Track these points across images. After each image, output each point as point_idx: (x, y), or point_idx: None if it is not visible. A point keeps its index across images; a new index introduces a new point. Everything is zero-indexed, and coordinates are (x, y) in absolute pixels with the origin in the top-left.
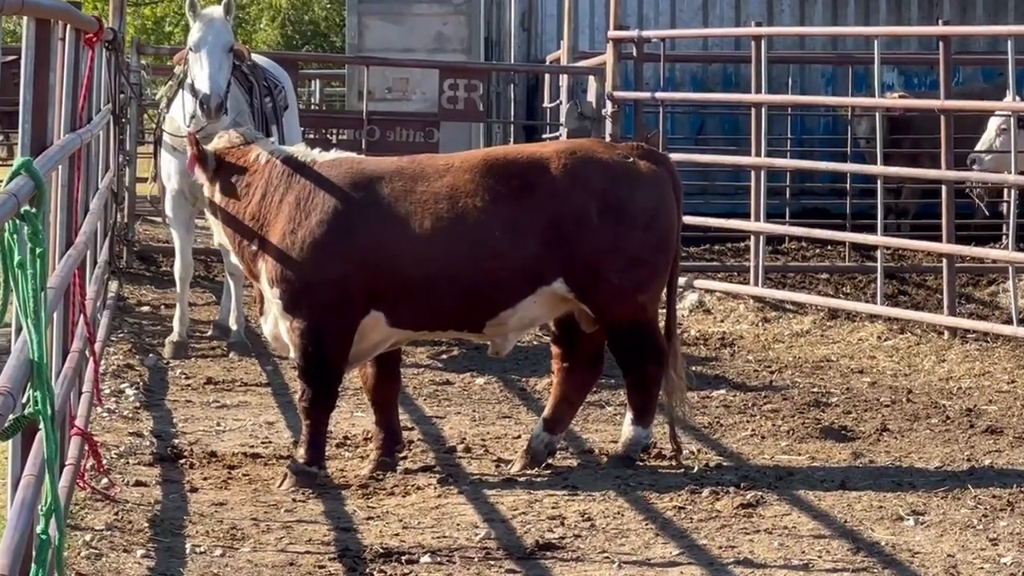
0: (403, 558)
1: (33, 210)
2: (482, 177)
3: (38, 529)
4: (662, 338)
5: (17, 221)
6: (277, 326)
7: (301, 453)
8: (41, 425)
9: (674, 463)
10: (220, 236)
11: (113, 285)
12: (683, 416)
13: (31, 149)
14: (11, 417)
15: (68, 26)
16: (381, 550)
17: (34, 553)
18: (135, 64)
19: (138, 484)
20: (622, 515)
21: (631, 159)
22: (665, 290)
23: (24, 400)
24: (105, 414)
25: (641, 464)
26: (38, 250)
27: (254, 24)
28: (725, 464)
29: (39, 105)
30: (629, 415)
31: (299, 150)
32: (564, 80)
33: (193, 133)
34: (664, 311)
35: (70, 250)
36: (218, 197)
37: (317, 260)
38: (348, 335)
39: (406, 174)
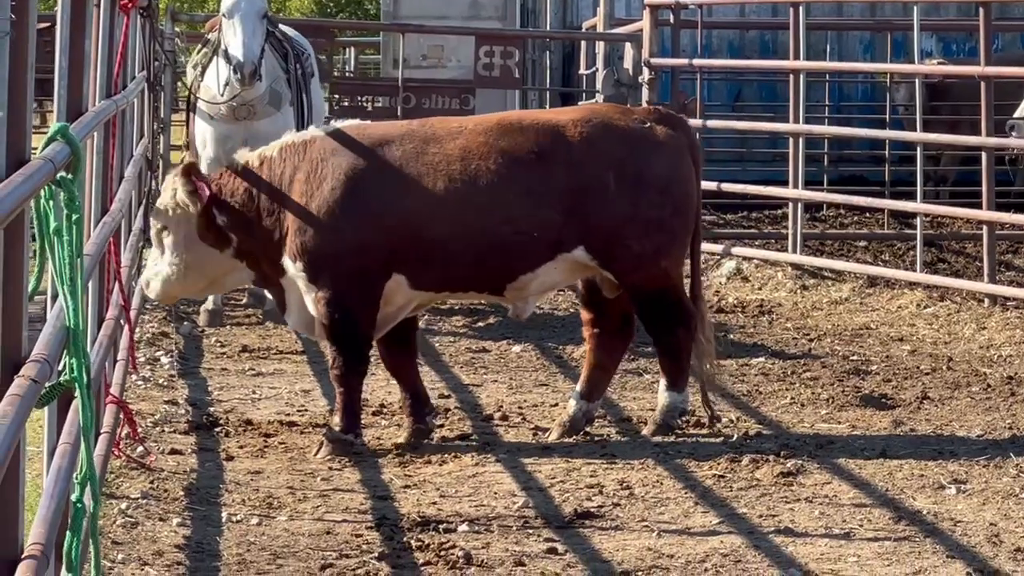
0: (441, 527)
1: (69, 176)
2: (496, 140)
3: (73, 498)
4: (688, 302)
5: (53, 187)
6: (302, 314)
7: (336, 421)
8: (77, 393)
9: (713, 431)
10: (180, 277)
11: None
12: (714, 380)
13: (67, 115)
14: (47, 384)
15: None
16: (418, 519)
17: (69, 522)
18: (170, 31)
19: (173, 452)
20: (661, 483)
21: (648, 124)
22: (689, 255)
23: (60, 367)
24: (140, 382)
25: (680, 432)
26: (74, 216)
27: None
28: (765, 432)
29: (75, 71)
30: (663, 381)
31: (293, 135)
32: (600, 47)
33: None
34: (689, 276)
35: (105, 217)
36: (218, 225)
37: (333, 227)
38: (373, 300)
39: (417, 136)
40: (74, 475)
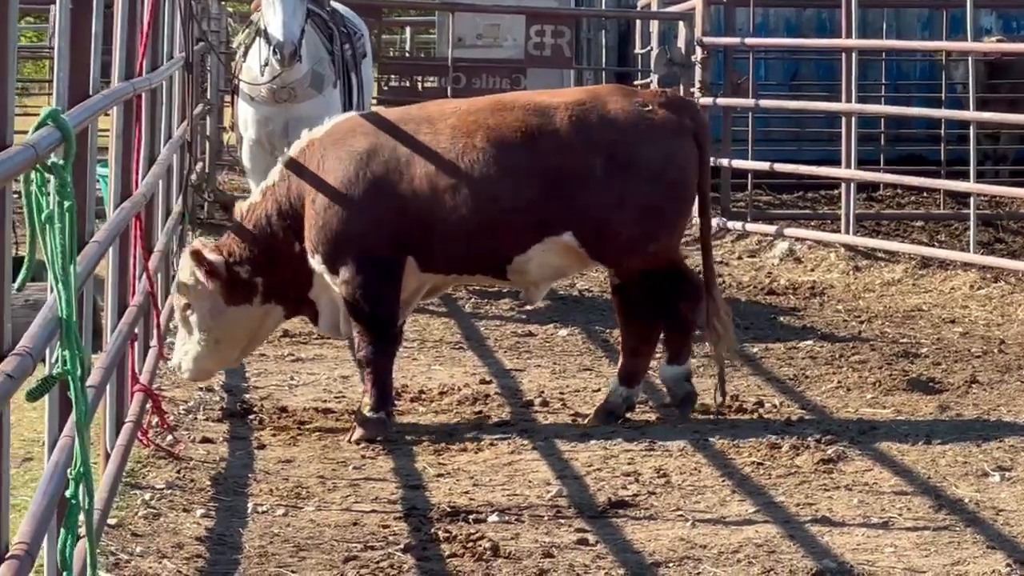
0: (470, 517)
1: (61, 162)
2: (485, 120)
3: (68, 493)
4: (694, 276)
5: (44, 173)
6: (330, 317)
7: (367, 401)
8: (71, 386)
9: (753, 415)
10: (212, 349)
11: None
12: (730, 364)
13: (67, 99)
14: (38, 378)
15: None
16: (448, 509)
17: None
18: (216, 11)
19: (204, 441)
20: (699, 471)
21: (649, 107)
22: (701, 243)
23: (54, 359)
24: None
25: (722, 418)
26: (66, 203)
27: None
28: (807, 417)
29: (78, 53)
30: (665, 356)
31: (293, 145)
32: (654, 26)
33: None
34: (702, 264)
35: (125, 203)
36: (242, 279)
37: (342, 213)
38: (393, 279)
39: (411, 119)
40: (68, 471)
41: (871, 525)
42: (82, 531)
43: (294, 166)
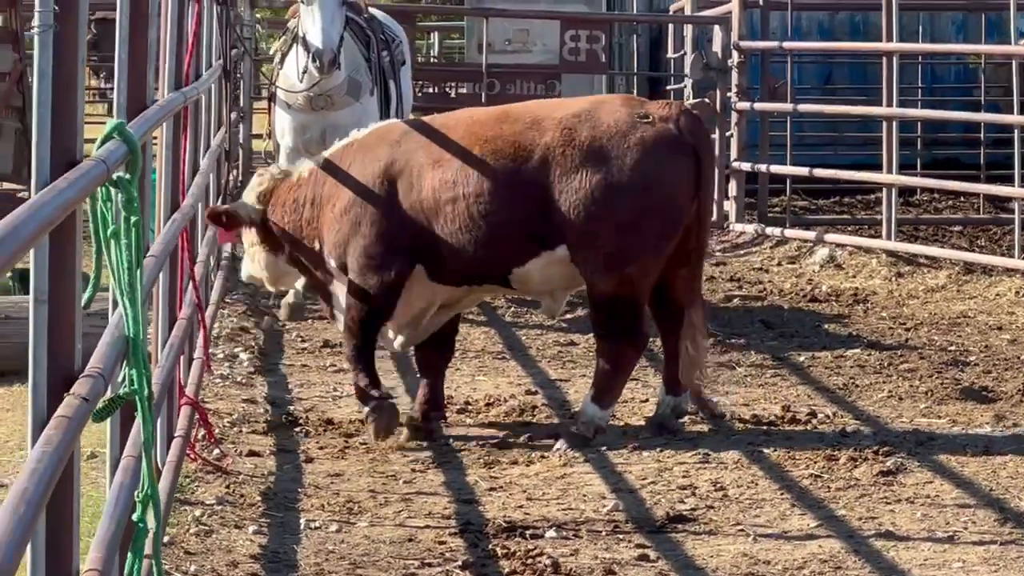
0: (527, 533)
1: (127, 176)
2: (488, 132)
3: (134, 517)
4: (644, 324)
5: (110, 188)
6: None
7: (360, 399)
8: (138, 406)
9: (808, 427)
10: (257, 270)
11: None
12: (700, 390)
13: (128, 110)
14: (104, 398)
15: None
16: (504, 524)
17: (131, 543)
18: (248, 19)
19: (251, 454)
20: (756, 484)
21: (648, 118)
22: (692, 260)
23: (120, 379)
24: (218, 380)
25: (775, 429)
26: (133, 219)
27: None
28: (862, 428)
29: (137, 64)
30: (590, 391)
31: (336, 144)
32: (688, 30)
33: (214, 209)
34: (692, 279)
35: (175, 214)
36: (274, 233)
37: (358, 220)
38: (395, 287)
39: (426, 130)
40: (135, 493)
41: (936, 539)
42: (149, 552)
43: (328, 166)
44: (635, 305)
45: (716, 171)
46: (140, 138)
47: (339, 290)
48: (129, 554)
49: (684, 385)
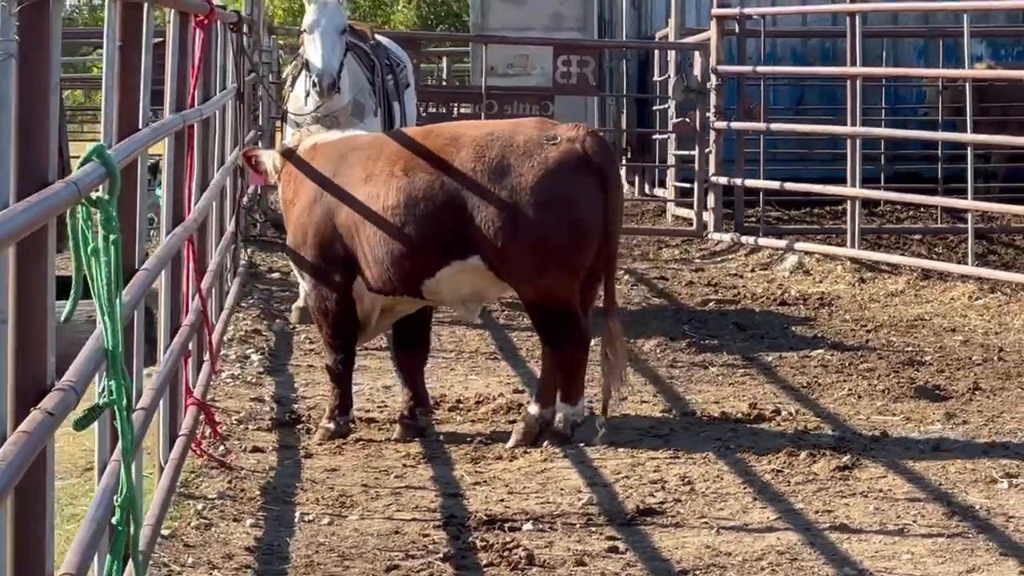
0: (506, 525)
1: (106, 196)
2: (409, 150)
3: (114, 520)
4: (582, 321)
5: (88, 207)
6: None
7: (326, 409)
8: (116, 416)
9: (772, 424)
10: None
11: (247, 252)
12: (618, 394)
13: (117, 133)
14: (84, 408)
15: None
16: (485, 517)
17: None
18: (267, 44)
19: (255, 450)
20: (721, 478)
21: (556, 140)
22: (604, 273)
23: (101, 389)
24: (229, 380)
25: (743, 426)
26: (112, 237)
27: (392, 6)
28: (823, 425)
29: (127, 87)
30: (559, 393)
31: (305, 140)
32: (672, 55)
33: (249, 151)
34: (603, 291)
35: (177, 228)
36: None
37: (303, 228)
38: (343, 298)
39: (363, 146)
40: (115, 497)
41: (887, 532)
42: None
43: (296, 160)
44: (563, 311)
45: (623, 190)
46: (124, 160)
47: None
48: (108, 555)
49: (550, 398)
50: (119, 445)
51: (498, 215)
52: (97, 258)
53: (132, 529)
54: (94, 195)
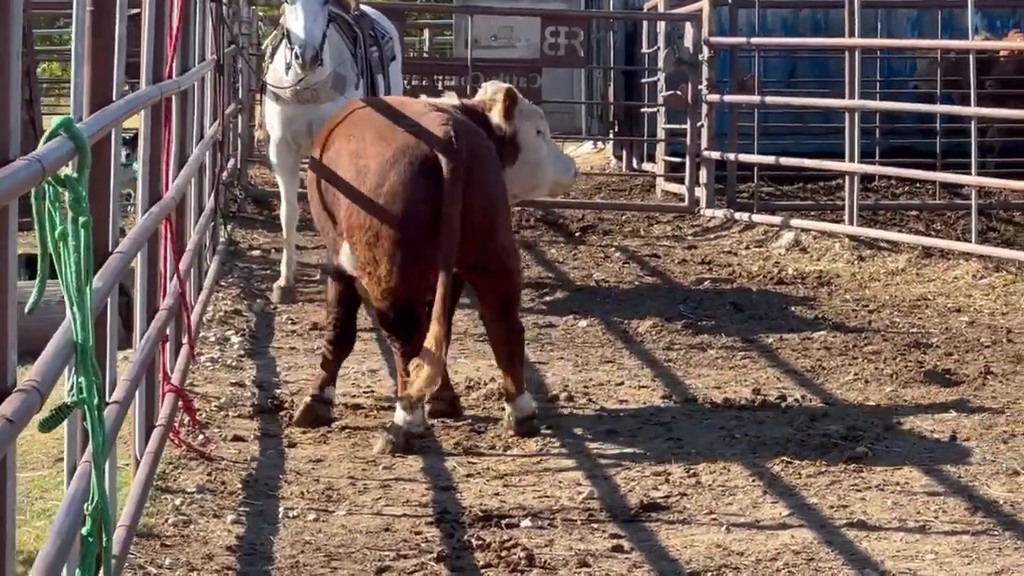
0: (503, 522)
1: (76, 174)
2: (335, 126)
3: (84, 531)
4: (411, 316)
5: (56, 187)
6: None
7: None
8: (87, 415)
9: (778, 411)
10: None
11: (226, 229)
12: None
13: (89, 105)
14: (51, 410)
15: None
16: (480, 513)
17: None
18: (247, 15)
19: (236, 439)
20: (728, 470)
21: (410, 130)
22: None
23: (70, 387)
24: (208, 364)
25: (747, 413)
26: (81, 219)
27: None
28: (831, 412)
29: (99, 59)
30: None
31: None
32: (661, 27)
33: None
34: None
35: (153, 207)
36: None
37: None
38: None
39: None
40: (85, 505)
41: (908, 529)
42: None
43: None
44: (392, 303)
45: (483, 187)
46: (95, 134)
47: None
48: (78, 570)
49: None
50: (90, 446)
51: (351, 202)
52: (65, 242)
53: (104, 540)
54: (62, 173)
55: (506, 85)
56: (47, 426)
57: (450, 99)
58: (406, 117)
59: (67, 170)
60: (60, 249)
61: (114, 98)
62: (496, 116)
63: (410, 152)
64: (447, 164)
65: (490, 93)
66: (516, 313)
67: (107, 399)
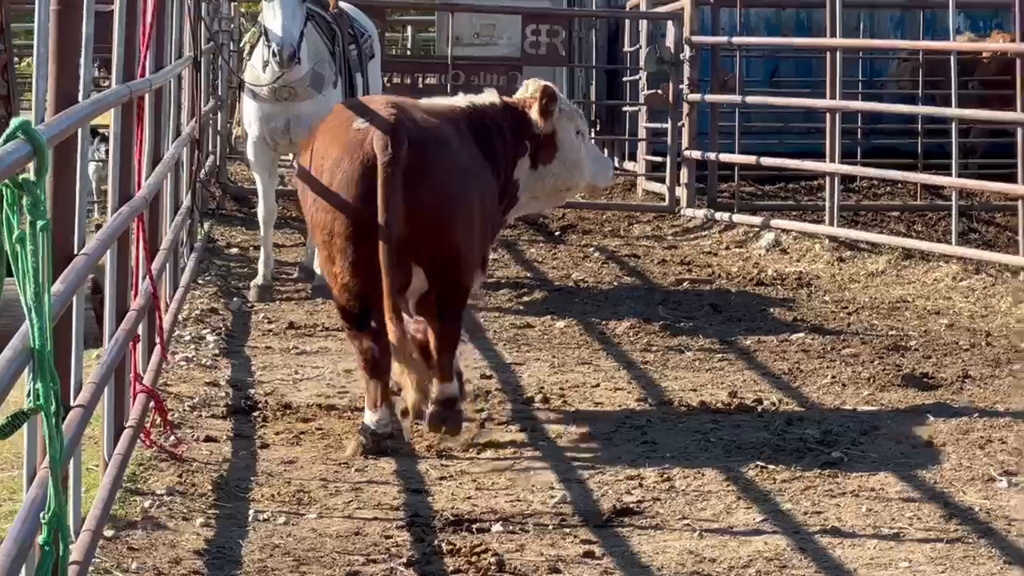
0: (474, 527)
1: (34, 178)
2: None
3: (40, 540)
4: (356, 318)
5: (14, 190)
6: None
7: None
8: (44, 423)
9: (753, 414)
10: None
11: (203, 227)
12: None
13: (53, 105)
14: (6, 416)
15: None
16: (451, 517)
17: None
18: (226, 11)
19: (208, 440)
20: (702, 475)
21: (360, 126)
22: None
23: (27, 393)
24: (183, 363)
25: (722, 416)
26: (39, 223)
27: None
28: (807, 416)
29: (65, 56)
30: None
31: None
32: (643, 25)
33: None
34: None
35: (123, 207)
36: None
37: None
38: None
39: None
40: (41, 514)
41: (882, 536)
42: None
43: None
44: (349, 303)
45: (430, 186)
46: (56, 136)
47: None
48: None
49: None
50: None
51: (309, 205)
52: (23, 246)
53: (61, 549)
54: (20, 177)
55: (545, 83)
56: (3, 433)
57: (490, 96)
58: (359, 118)
59: (26, 174)
60: (18, 253)
61: (80, 98)
62: (534, 114)
63: (352, 151)
64: (380, 158)
65: (531, 91)
66: (455, 315)
67: (72, 403)
